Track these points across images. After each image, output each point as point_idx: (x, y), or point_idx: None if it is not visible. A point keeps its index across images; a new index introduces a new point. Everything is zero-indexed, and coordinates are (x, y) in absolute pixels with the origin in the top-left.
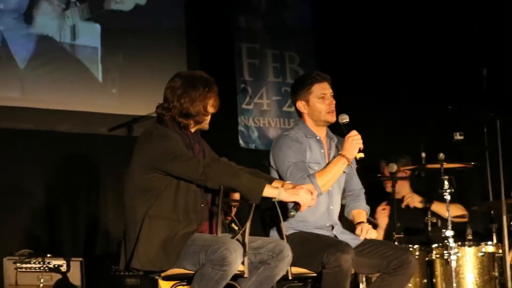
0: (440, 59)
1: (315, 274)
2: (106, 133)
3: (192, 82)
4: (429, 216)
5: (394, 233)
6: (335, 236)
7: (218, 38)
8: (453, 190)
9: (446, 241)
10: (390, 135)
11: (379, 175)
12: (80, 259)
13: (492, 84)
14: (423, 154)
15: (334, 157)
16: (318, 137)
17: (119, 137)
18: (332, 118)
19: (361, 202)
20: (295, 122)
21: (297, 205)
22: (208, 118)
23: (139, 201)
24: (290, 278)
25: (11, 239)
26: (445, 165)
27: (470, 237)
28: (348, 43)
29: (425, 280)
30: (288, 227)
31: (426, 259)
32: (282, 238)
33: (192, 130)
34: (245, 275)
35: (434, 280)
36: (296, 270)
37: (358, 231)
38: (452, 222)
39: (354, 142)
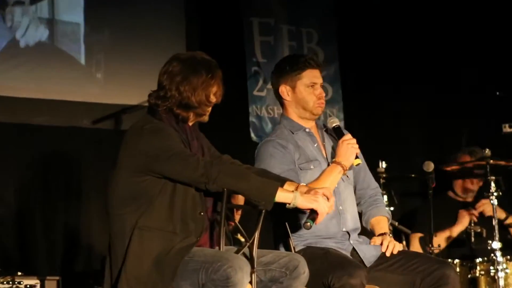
0: (486, 39)
1: None
2: (90, 126)
3: (193, 66)
4: (473, 225)
5: (430, 245)
6: (353, 247)
7: (224, 11)
8: (500, 193)
9: (492, 254)
10: (426, 128)
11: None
12: (57, 277)
13: None
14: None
15: (333, 148)
16: (307, 129)
17: (105, 130)
18: (319, 110)
19: (380, 207)
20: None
21: (313, 214)
22: (210, 109)
23: (128, 209)
24: None
25: None
26: (492, 163)
27: None
28: (378, 19)
29: None
30: (297, 240)
31: (469, 276)
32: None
33: (190, 123)
34: None
35: None
36: None
37: (384, 246)
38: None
39: (350, 147)
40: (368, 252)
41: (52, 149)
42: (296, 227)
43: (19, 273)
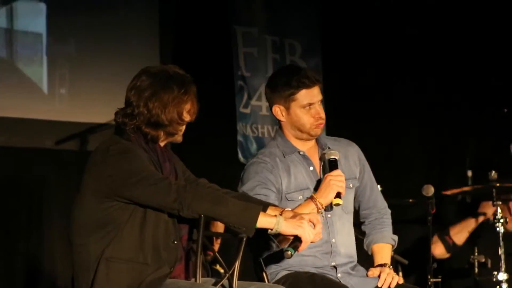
0: (492, 50)
1: None
2: (53, 147)
3: (163, 81)
4: (476, 254)
5: (429, 277)
6: (339, 280)
7: (202, 19)
8: (507, 221)
9: (498, 287)
10: (426, 148)
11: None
12: None
13: None
14: (469, 173)
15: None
16: (301, 152)
17: (70, 151)
18: (316, 131)
19: (384, 231)
20: (274, 133)
21: (296, 241)
22: (183, 128)
23: (93, 238)
24: None
25: None
26: (498, 186)
27: None
28: (364, 32)
29: None
30: (280, 267)
31: None
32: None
33: (161, 143)
34: None
35: None
36: None
37: (381, 280)
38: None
39: (333, 184)
40: (358, 286)
41: (10, 172)
42: (278, 256)
43: None
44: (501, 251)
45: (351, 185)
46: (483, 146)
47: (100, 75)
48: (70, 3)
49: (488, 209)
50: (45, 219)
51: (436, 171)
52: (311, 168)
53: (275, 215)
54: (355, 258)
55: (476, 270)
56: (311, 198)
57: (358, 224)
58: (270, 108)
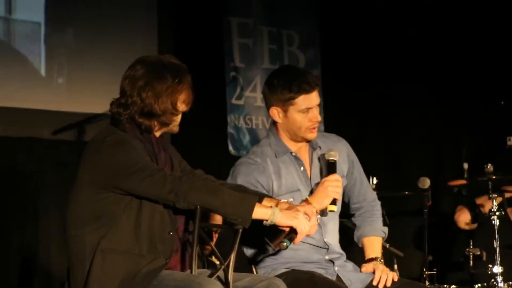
0: (488, 43)
1: None
2: (50, 137)
3: (157, 70)
4: (471, 247)
5: (424, 269)
6: (338, 275)
7: (201, 10)
8: (503, 213)
9: (493, 280)
10: (422, 140)
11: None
12: None
13: None
14: (466, 165)
15: (320, 172)
16: (293, 153)
17: (67, 142)
18: (312, 135)
19: (374, 224)
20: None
21: (292, 233)
22: (178, 118)
23: (88, 229)
24: None
25: None
26: (495, 179)
27: None
28: (363, 22)
29: None
30: (276, 260)
31: None
32: None
33: (157, 134)
34: None
35: None
36: None
37: (376, 278)
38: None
39: (330, 189)
40: (355, 280)
41: (7, 162)
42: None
43: None
44: (496, 244)
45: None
46: (480, 139)
47: (98, 65)
48: None
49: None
50: (41, 209)
51: (432, 164)
52: (302, 168)
53: (271, 206)
54: (344, 254)
55: (471, 263)
56: (306, 201)
57: (348, 215)
58: (267, 108)
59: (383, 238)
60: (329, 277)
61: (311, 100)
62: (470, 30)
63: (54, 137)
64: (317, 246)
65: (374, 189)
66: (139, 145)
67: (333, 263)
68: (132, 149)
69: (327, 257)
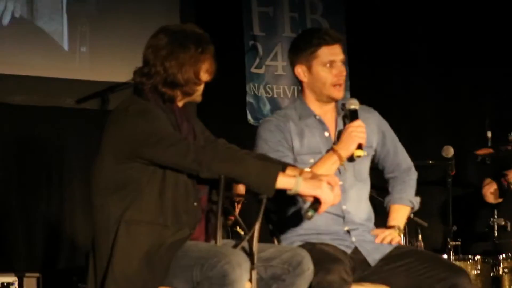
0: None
1: None
2: (73, 106)
3: (180, 39)
4: (496, 217)
5: (449, 240)
6: (355, 246)
7: None
8: None
9: None
10: (444, 108)
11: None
12: (37, 274)
13: None
14: (489, 134)
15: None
16: (317, 116)
17: (90, 110)
18: (338, 94)
19: (402, 192)
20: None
21: (316, 203)
22: (201, 88)
23: (112, 200)
24: None
25: None
26: None
27: None
28: None
29: None
30: (296, 235)
31: (492, 274)
32: None
33: (180, 103)
34: None
35: None
36: None
37: (379, 238)
38: None
39: (354, 135)
40: (373, 251)
41: (30, 131)
42: (294, 221)
43: None
44: None
45: (365, 153)
46: (503, 107)
47: (120, 33)
48: None
49: None
50: (66, 178)
51: (454, 133)
52: (326, 134)
53: (294, 175)
54: (369, 224)
55: (496, 233)
56: (332, 150)
57: (381, 187)
58: (292, 70)
59: (412, 208)
60: (345, 249)
61: (334, 53)
62: None
63: (77, 106)
64: (335, 214)
65: None
66: (162, 115)
67: (349, 233)
68: (155, 118)
69: (345, 228)
